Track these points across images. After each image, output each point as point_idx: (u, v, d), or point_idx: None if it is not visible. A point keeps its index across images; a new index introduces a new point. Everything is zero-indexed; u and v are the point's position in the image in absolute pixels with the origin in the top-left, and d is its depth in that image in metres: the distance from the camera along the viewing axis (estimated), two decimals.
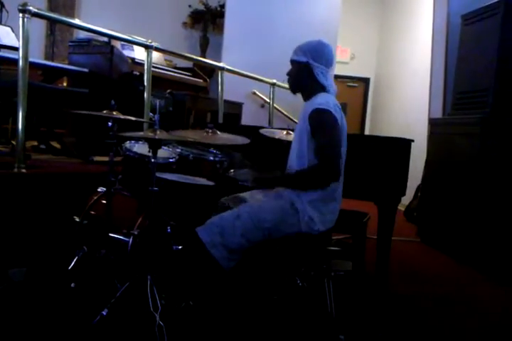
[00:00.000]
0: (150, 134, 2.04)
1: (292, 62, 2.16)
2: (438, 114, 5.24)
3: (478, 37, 4.03)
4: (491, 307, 2.86)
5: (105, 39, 3.96)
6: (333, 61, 2.16)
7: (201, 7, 7.03)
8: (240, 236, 1.97)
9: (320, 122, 2.00)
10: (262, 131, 2.81)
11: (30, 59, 2.67)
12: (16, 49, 2.67)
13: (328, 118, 1.99)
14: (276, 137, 2.74)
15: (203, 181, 2.41)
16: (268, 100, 5.71)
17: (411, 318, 2.58)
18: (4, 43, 3.29)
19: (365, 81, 8.55)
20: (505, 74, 3.68)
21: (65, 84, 4.31)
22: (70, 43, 4.27)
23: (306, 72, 2.11)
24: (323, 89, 2.12)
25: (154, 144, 2.03)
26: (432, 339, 2.37)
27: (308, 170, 2.02)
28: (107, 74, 3.88)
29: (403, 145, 2.81)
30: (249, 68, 5.07)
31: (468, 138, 3.90)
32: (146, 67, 3.57)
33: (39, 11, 2.66)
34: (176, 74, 4.85)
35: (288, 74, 2.20)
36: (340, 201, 2.15)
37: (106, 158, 2.44)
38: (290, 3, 5.99)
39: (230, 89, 4.76)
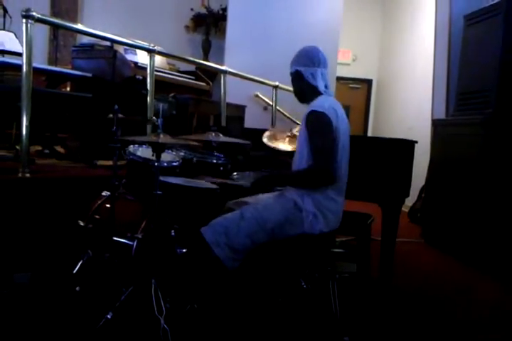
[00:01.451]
0: (153, 138, 2.05)
1: (290, 75, 2.19)
2: (441, 114, 5.23)
3: (481, 37, 4.03)
4: (494, 309, 2.85)
5: (108, 43, 3.97)
6: (321, 59, 2.11)
7: (203, 10, 7.03)
8: (244, 237, 1.98)
9: (314, 124, 2.01)
10: (265, 140, 2.79)
11: (34, 64, 2.68)
12: (20, 54, 2.69)
13: (321, 120, 1.99)
14: (281, 148, 2.74)
15: (206, 184, 2.42)
16: (271, 103, 5.71)
17: (415, 319, 2.57)
18: (8, 49, 3.32)
19: (368, 82, 8.54)
20: (507, 75, 3.67)
21: (68, 88, 4.32)
22: (73, 48, 4.28)
23: (299, 80, 2.14)
24: (316, 90, 2.12)
25: (158, 148, 2.04)
26: (436, 340, 2.37)
27: (303, 172, 2.04)
28: (110, 79, 3.88)
29: (407, 147, 2.81)
30: (252, 71, 5.07)
31: (471, 138, 3.89)
32: (148, 71, 3.59)
33: (42, 17, 2.67)
34: (178, 78, 4.86)
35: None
36: (343, 202, 2.15)
37: (110, 162, 2.45)
38: (292, 6, 6.00)
39: (232, 92, 4.76)
